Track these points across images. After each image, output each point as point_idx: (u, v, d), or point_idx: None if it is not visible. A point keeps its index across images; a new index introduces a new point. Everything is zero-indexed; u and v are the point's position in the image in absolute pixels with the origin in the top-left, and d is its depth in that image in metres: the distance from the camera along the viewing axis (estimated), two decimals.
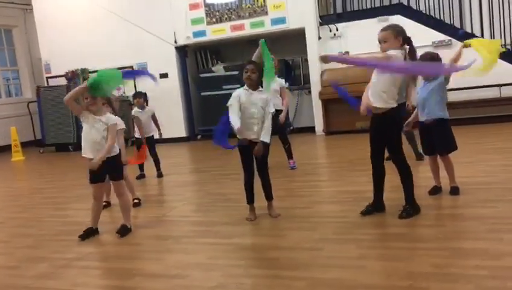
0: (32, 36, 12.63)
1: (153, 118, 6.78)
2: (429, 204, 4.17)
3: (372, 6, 9.75)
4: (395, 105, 3.85)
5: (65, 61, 11.33)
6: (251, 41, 9.89)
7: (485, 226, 3.52)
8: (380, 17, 8.91)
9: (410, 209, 3.90)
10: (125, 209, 4.29)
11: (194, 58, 11.43)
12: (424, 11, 9.33)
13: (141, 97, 6.72)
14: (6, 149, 11.41)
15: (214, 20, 10.28)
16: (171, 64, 10.84)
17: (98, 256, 3.96)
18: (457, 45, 8.75)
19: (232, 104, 4.09)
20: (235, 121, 4.02)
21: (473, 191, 4.39)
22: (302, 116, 10.54)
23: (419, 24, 8.82)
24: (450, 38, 8.89)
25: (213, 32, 10.33)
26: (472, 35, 8.91)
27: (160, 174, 6.82)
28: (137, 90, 8.56)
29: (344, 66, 9.38)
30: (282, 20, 9.82)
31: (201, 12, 10.34)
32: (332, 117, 9.42)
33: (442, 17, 9.25)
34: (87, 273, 3.51)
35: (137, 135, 6.61)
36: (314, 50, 9.62)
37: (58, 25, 11.42)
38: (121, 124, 4.96)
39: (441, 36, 8.93)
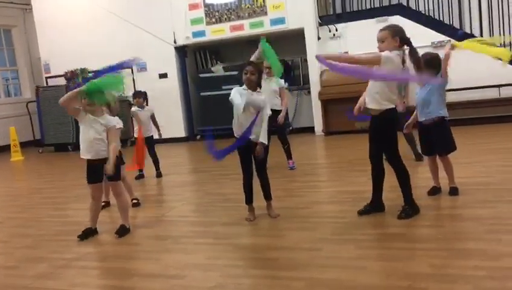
0: (32, 36, 12.62)
1: (152, 118, 6.78)
2: (428, 204, 4.17)
3: (372, 6, 9.75)
4: (390, 106, 3.85)
5: (64, 61, 11.31)
6: (250, 42, 9.90)
7: (483, 227, 3.52)
8: (378, 18, 8.91)
9: (409, 209, 3.90)
10: (123, 210, 4.29)
11: (193, 58, 11.43)
12: (423, 12, 9.33)
13: (141, 97, 6.72)
14: (5, 149, 11.40)
15: (214, 20, 10.28)
16: (170, 65, 10.84)
17: (97, 256, 3.95)
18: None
19: (233, 95, 4.07)
20: (238, 100, 3.98)
21: (472, 192, 4.40)
22: (302, 116, 10.55)
23: (418, 24, 8.83)
24: (449, 38, 8.88)
25: (212, 32, 10.32)
26: (471, 36, 8.91)
27: (159, 174, 6.82)
28: (137, 89, 8.54)
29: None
30: (281, 21, 9.82)
31: (200, 13, 10.34)
32: (331, 117, 9.42)
33: (441, 18, 9.26)
34: (86, 273, 3.51)
35: (137, 134, 6.60)
36: (313, 50, 9.60)
37: (58, 25, 11.41)
38: (118, 124, 4.97)
39: (440, 37, 8.94)
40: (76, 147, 9.01)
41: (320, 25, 9.79)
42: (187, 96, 11.09)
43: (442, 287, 2.68)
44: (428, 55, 4.36)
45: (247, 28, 10.05)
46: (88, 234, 4.22)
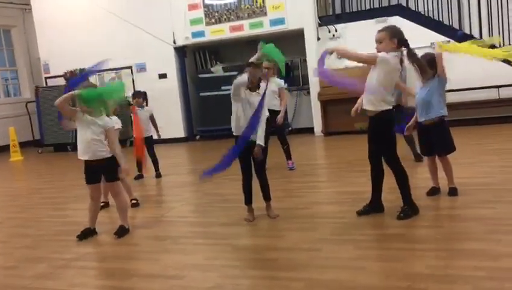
0: (31, 36, 12.62)
1: (151, 118, 6.78)
2: (427, 205, 4.17)
3: (371, 7, 9.75)
4: (386, 107, 3.86)
5: (64, 61, 11.32)
6: (250, 42, 9.91)
7: (483, 227, 3.52)
8: (378, 18, 8.91)
9: (409, 210, 3.90)
10: (122, 210, 4.28)
11: (193, 58, 11.43)
12: (422, 12, 9.33)
13: (140, 97, 6.72)
14: (4, 149, 11.39)
15: (213, 20, 10.29)
16: (170, 65, 10.84)
17: (96, 256, 3.95)
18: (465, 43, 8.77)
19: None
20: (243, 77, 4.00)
21: (472, 192, 4.40)
22: (301, 117, 10.54)
23: (418, 25, 8.83)
24: (448, 39, 8.88)
25: (212, 32, 10.33)
26: (471, 37, 8.91)
27: (158, 175, 6.82)
28: (136, 89, 8.55)
29: (342, 66, 9.43)
30: (281, 21, 9.82)
31: (200, 13, 10.34)
32: (331, 118, 9.42)
33: (440, 18, 9.26)
34: (85, 273, 3.51)
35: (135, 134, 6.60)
36: (313, 51, 9.62)
37: (57, 25, 11.41)
38: (117, 124, 4.97)
39: (439, 37, 8.92)
40: (75, 147, 9.01)
41: (320, 25, 9.80)
42: (186, 97, 11.09)
43: (441, 288, 2.68)
44: (428, 56, 4.36)
45: (246, 29, 10.05)
46: (87, 234, 4.22)
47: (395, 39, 3.79)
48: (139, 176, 6.77)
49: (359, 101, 4.12)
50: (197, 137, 11.20)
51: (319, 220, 4.13)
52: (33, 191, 7.01)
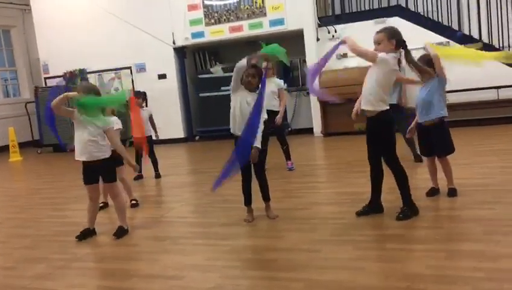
0: (31, 36, 12.62)
1: (150, 119, 6.78)
2: (427, 206, 4.17)
3: (371, 8, 9.76)
4: (385, 108, 3.87)
5: (63, 61, 11.33)
6: (249, 43, 9.91)
7: (482, 228, 3.52)
8: (377, 19, 8.92)
9: (408, 210, 3.90)
10: (120, 211, 4.28)
11: (192, 59, 11.44)
12: (422, 13, 9.34)
13: (140, 97, 6.72)
14: (4, 150, 11.40)
15: (213, 21, 10.29)
16: (169, 65, 10.84)
17: (96, 257, 3.95)
18: (455, 46, 8.77)
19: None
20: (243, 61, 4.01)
21: (471, 193, 4.40)
22: (300, 117, 10.55)
23: (417, 26, 8.85)
24: (448, 40, 8.91)
25: (211, 33, 10.33)
26: (470, 37, 8.93)
27: (158, 175, 6.82)
28: (136, 90, 8.56)
29: (341, 67, 9.45)
30: (280, 22, 9.83)
31: (199, 14, 10.35)
32: (330, 118, 9.43)
33: (440, 19, 9.27)
34: (85, 274, 3.51)
35: (135, 134, 6.59)
36: (312, 51, 9.63)
37: (57, 26, 11.41)
38: (117, 124, 4.97)
39: (439, 38, 8.94)
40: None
41: (320, 26, 9.81)
42: (186, 97, 11.10)
43: (440, 288, 2.68)
44: (427, 57, 4.37)
45: (246, 29, 10.06)
46: (86, 234, 4.22)
47: (394, 40, 3.80)
48: (139, 177, 6.77)
49: (357, 104, 4.12)
50: (197, 137, 11.21)
51: (318, 221, 4.13)
52: (32, 191, 7.01)
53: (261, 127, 4.08)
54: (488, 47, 8.83)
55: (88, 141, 4.01)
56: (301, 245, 3.56)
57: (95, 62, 11.14)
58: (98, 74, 11.32)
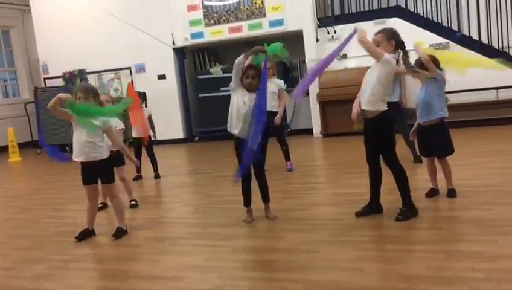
0: (30, 37, 12.62)
1: (149, 119, 6.78)
2: (426, 206, 4.17)
3: (370, 8, 9.77)
4: (384, 108, 3.87)
5: (63, 62, 11.33)
6: (249, 43, 9.90)
7: (481, 229, 3.53)
8: (376, 20, 8.93)
9: (407, 211, 3.90)
10: (118, 212, 4.28)
11: (192, 59, 11.44)
12: (421, 14, 9.35)
13: (139, 97, 6.71)
14: (3, 150, 11.39)
15: (212, 21, 10.30)
16: (169, 66, 10.85)
17: (95, 258, 3.95)
18: (455, 47, 8.80)
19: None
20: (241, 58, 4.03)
21: (470, 194, 4.41)
22: (300, 118, 10.56)
23: (416, 27, 8.86)
24: (447, 41, 8.92)
25: (211, 33, 10.34)
26: (469, 38, 8.95)
27: (157, 176, 6.82)
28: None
29: (341, 67, 9.45)
30: (280, 22, 9.84)
31: (199, 14, 10.35)
32: (329, 119, 9.43)
33: (439, 20, 9.28)
34: (84, 274, 3.51)
35: (134, 134, 6.61)
36: (312, 52, 9.64)
37: (56, 26, 11.42)
38: (119, 124, 4.97)
39: (438, 39, 8.96)
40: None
41: (319, 26, 9.81)
42: (185, 98, 11.10)
43: (439, 289, 2.68)
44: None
45: (245, 30, 10.06)
46: (85, 235, 4.22)
47: (393, 41, 3.81)
48: (138, 177, 6.77)
49: (356, 105, 4.03)
50: (196, 138, 11.21)
51: (317, 222, 4.13)
52: (32, 192, 7.01)
53: (257, 129, 4.03)
54: (488, 48, 8.85)
55: (85, 142, 4.00)
56: (300, 246, 3.56)
57: (94, 62, 11.14)
58: (97, 74, 11.32)
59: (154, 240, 4.11)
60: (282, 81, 6.59)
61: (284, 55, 4.30)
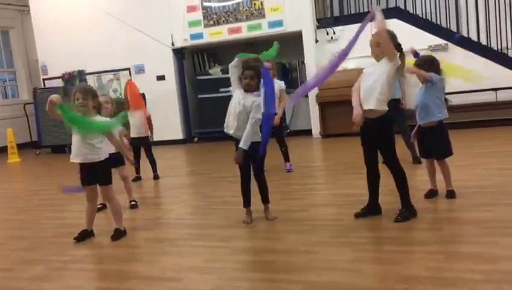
0: (29, 38, 12.62)
1: (148, 119, 6.77)
2: (425, 207, 4.17)
3: (370, 10, 9.76)
4: (387, 108, 3.87)
5: (62, 62, 11.33)
6: (248, 44, 9.92)
7: (480, 230, 3.52)
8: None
9: (407, 212, 3.90)
10: (116, 213, 4.27)
11: (191, 60, 11.44)
12: (420, 15, 9.36)
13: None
14: (2, 151, 11.38)
15: (211, 22, 10.30)
16: (168, 67, 10.85)
17: (94, 258, 3.94)
18: (454, 48, 8.81)
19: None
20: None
21: (469, 195, 4.40)
22: (299, 119, 10.56)
23: (415, 28, 8.87)
24: (446, 42, 8.93)
25: (210, 34, 10.34)
26: (468, 39, 8.96)
27: (156, 177, 6.82)
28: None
29: (340, 68, 9.42)
30: (279, 23, 9.84)
31: (198, 15, 10.35)
32: (329, 120, 9.44)
33: (438, 21, 9.29)
34: (83, 275, 3.50)
35: (133, 134, 6.59)
36: (311, 53, 9.66)
37: (55, 27, 11.41)
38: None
39: (437, 40, 8.97)
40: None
41: (318, 27, 9.82)
42: (184, 99, 11.09)
43: None
44: (425, 57, 4.41)
45: (245, 31, 10.06)
46: (84, 236, 4.21)
47: (391, 43, 3.80)
48: (137, 178, 6.76)
49: (357, 106, 3.92)
50: (195, 139, 11.21)
51: (316, 223, 4.13)
52: (31, 192, 7.00)
53: (251, 127, 4.01)
54: (487, 49, 8.87)
55: (83, 144, 3.99)
56: (300, 247, 3.55)
57: (93, 63, 11.14)
58: (96, 75, 11.31)
59: (154, 241, 4.10)
60: (283, 82, 6.59)
61: (274, 51, 4.30)
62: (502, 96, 8.66)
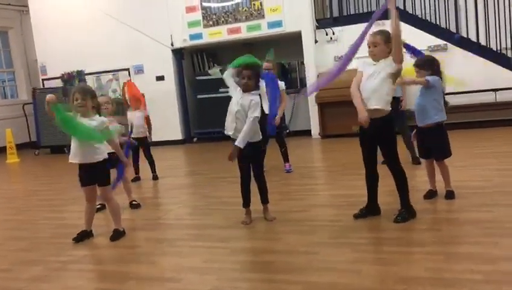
0: (28, 38, 12.61)
1: (147, 120, 6.76)
2: (424, 208, 4.17)
3: (369, 10, 9.76)
4: (390, 108, 3.87)
5: (61, 63, 11.31)
6: (247, 45, 9.92)
7: (480, 231, 3.52)
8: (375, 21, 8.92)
9: (406, 213, 3.89)
10: (114, 214, 4.26)
11: (190, 60, 11.43)
12: (420, 16, 9.36)
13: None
14: (1, 151, 11.36)
15: (211, 23, 10.29)
16: (167, 67, 10.83)
17: (93, 259, 3.94)
18: (453, 48, 8.81)
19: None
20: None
21: (468, 195, 4.40)
22: (298, 119, 10.55)
23: (415, 28, 8.85)
24: (445, 42, 8.93)
25: (210, 35, 10.33)
26: (467, 40, 8.95)
27: (155, 177, 6.81)
28: None
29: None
30: (278, 24, 9.83)
31: (198, 15, 10.34)
32: (328, 120, 9.43)
33: (438, 22, 9.29)
34: (81, 276, 3.49)
35: (132, 135, 6.58)
36: (310, 53, 9.65)
37: (54, 27, 11.40)
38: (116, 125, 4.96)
39: (436, 40, 8.97)
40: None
41: (318, 28, 9.82)
42: (184, 99, 11.09)
43: None
44: (425, 57, 4.41)
45: (244, 31, 10.06)
46: (83, 236, 4.20)
47: (390, 44, 3.80)
48: (136, 178, 6.75)
49: (362, 107, 3.81)
50: (194, 139, 11.20)
51: (316, 223, 4.12)
52: (30, 193, 6.99)
53: (249, 126, 3.99)
54: (486, 50, 8.86)
55: (82, 144, 3.98)
56: (299, 247, 3.55)
57: (93, 63, 11.13)
58: (95, 75, 11.30)
59: (153, 241, 4.10)
60: (283, 82, 6.58)
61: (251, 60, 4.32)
62: (502, 96, 8.66)
